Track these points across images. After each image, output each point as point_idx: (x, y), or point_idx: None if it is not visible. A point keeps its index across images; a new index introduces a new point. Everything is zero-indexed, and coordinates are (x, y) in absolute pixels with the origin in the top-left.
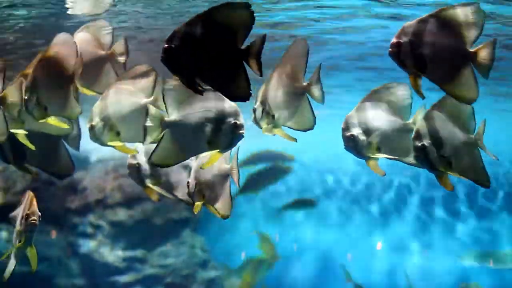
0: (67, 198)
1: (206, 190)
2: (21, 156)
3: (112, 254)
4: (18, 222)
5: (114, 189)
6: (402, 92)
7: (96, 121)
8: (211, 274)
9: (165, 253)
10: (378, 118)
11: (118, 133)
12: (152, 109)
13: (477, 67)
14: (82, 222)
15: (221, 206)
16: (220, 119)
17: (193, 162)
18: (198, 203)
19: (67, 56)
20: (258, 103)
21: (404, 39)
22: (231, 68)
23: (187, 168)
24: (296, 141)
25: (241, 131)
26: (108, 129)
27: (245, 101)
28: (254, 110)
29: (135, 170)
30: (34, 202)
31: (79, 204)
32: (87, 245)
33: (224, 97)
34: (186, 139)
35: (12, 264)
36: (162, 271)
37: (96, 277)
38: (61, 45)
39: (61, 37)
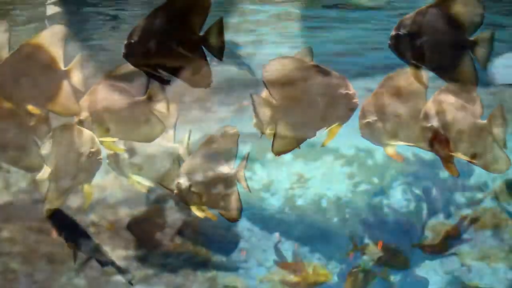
0: (68, 197)
1: (203, 193)
2: None
3: (113, 253)
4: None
5: (115, 188)
6: None
7: (85, 115)
8: (212, 273)
9: (166, 252)
10: (394, 104)
11: (107, 129)
12: (260, 100)
13: (476, 56)
14: (83, 221)
15: (228, 209)
16: (329, 92)
17: (180, 151)
18: (194, 207)
19: (58, 51)
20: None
21: (402, 31)
22: (191, 55)
23: (171, 155)
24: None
25: (354, 100)
26: (97, 125)
27: (206, 88)
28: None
29: (113, 160)
30: (96, 141)
31: (80, 203)
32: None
33: (329, 69)
34: (300, 121)
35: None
36: (163, 270)
37: (97, 277)
38: (54, 38)
39: (56, 28)
